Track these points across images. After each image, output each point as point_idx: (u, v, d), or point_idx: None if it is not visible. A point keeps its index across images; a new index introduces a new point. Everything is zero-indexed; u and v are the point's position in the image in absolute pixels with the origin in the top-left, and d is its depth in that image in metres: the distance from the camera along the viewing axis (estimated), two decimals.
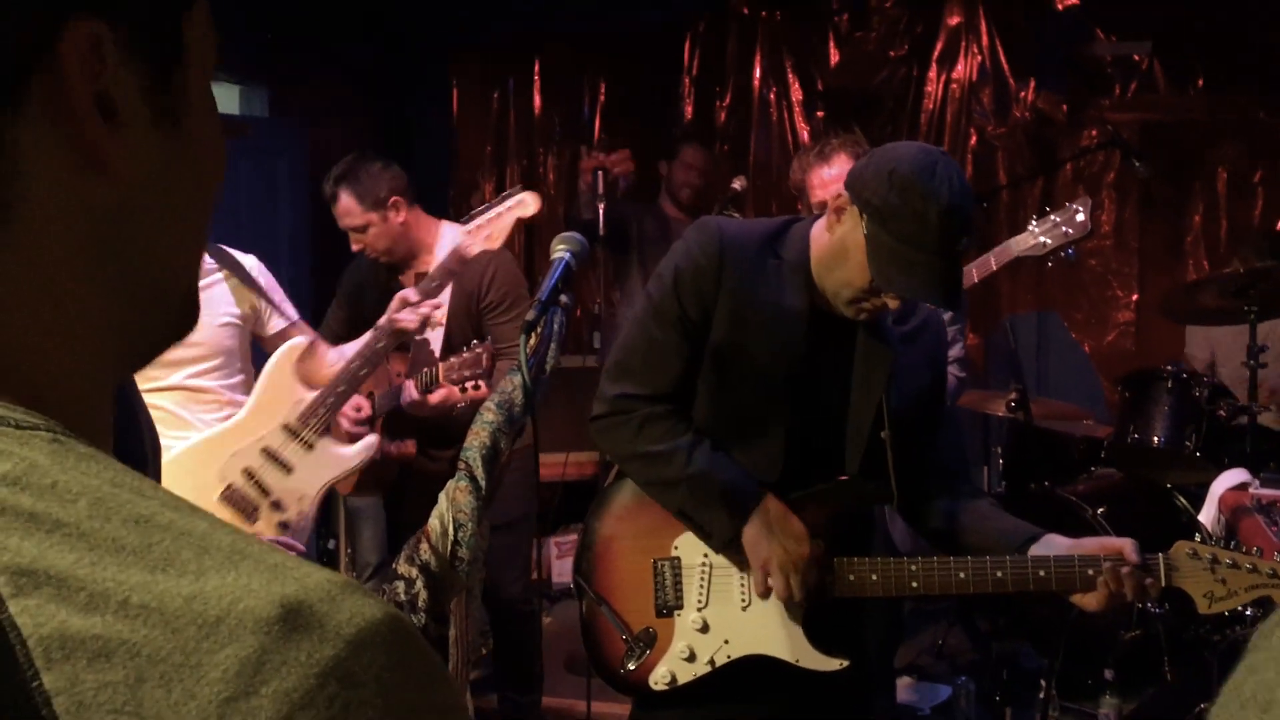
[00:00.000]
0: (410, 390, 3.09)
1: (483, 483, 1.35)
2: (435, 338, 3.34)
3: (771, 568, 1.97)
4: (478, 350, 2.95)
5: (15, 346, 0.49)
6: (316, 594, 0.44)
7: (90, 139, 0.50)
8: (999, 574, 1.97)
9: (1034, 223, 3.22)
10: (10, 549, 0.41)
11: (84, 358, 0.52)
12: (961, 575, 1.98)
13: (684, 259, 2.03)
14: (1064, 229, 3.17)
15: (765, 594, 2.00)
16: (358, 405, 3.21)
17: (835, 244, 1.97)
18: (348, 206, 3.32)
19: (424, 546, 1.28)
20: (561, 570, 5.18)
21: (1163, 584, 1.94)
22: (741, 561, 2.06)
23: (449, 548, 1.29)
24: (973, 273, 3.23)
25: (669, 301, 2.02)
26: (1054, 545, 2.00)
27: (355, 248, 3.44)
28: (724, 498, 2.00)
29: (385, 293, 3.25)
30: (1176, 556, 1.95)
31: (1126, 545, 1.95)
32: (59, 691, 0.39)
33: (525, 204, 2.87)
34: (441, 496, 1.34)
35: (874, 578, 2.01)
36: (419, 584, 1.24)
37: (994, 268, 3.26)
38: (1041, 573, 1.95)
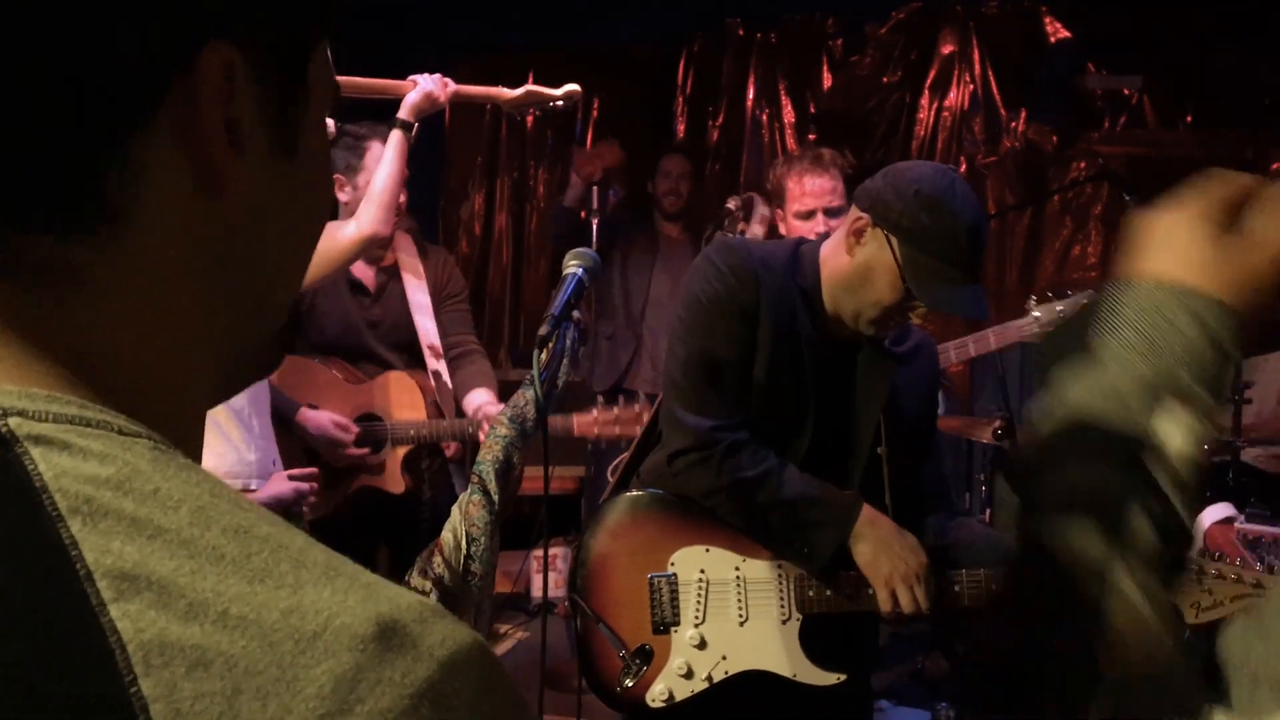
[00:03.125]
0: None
1: (495, 496, 1.35)
2: (430, 327, 3.32)
3: (896, 583, 1.96)
4: (636, 409, 2.98)
5: (121, 357, 0.49)
6: (409, 614, 0.43)
7: (215, 163, 0.50)
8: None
9: (1036, 308, 3.08)
10: (113, 553, 0.41)
11: (184, 376, 0.52)
12: (956, 588, 2.02)
13: (719, 283, 2.02)
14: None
15: (893, 612, 1.99)
16: (342, 425, 3.15)
17: (859, 266, 2.00)
18: None
19: (437, 559, 1.27)
20: (541, 584, 5.16)
21: None
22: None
23: (461, 561, 1.28)
24: (969, 347, 3.17)
25: (721, 325, 2.01)
26: None
27: None
28: (823, 516, 1.99)
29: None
30: None
31: None
32: (156, 698, 0.39)
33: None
34: (454, 509, 1.34)
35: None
36: (432, 597, 1.23)
37: (993, 347, 3.18)
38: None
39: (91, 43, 0.45)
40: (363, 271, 3.34)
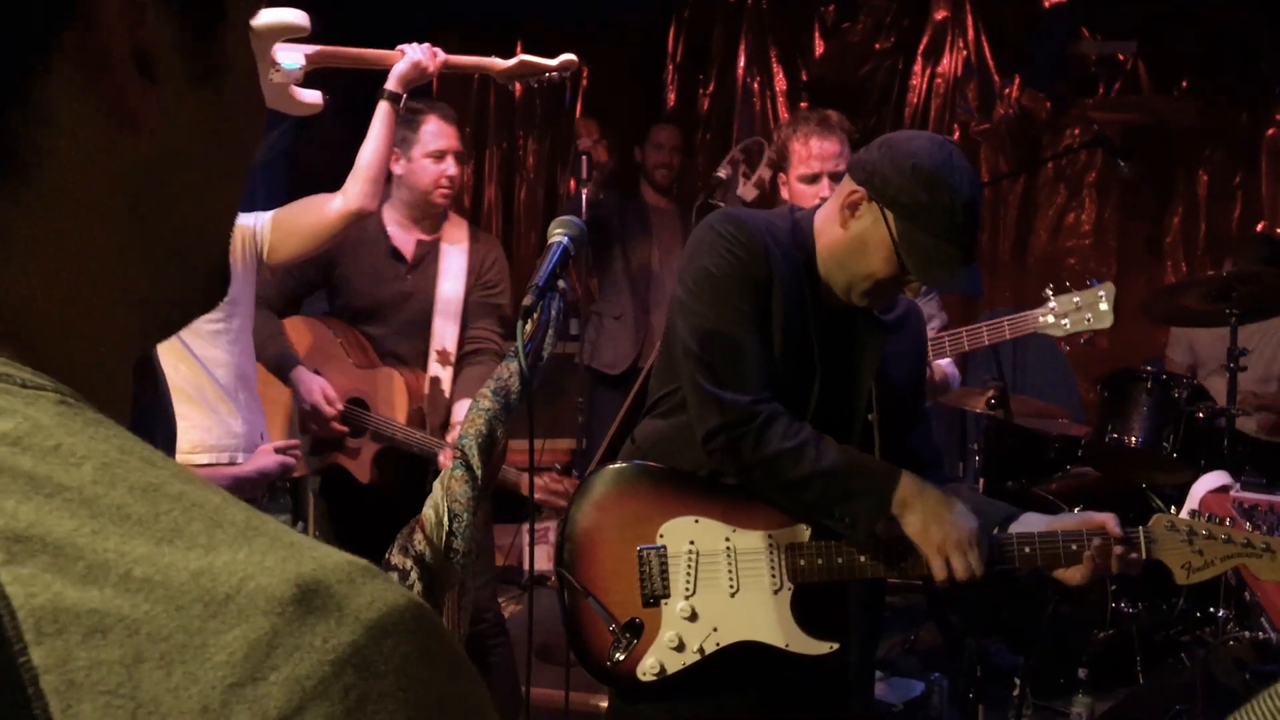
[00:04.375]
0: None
1: (478, 471, 1.31)
2: (450, 333, 3.30)
3: (949, 550, 1.93)
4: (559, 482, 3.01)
5: (28, 305, 0.45)
6: (335, 575, 0.40)
7: (125, 95, 0.46)
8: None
9: (1052, 299, 3.01)
10: (6, 512, 0.38)
11: (103, 323, 0.49)
12: None
13: (730, 255, 1.98)
14: (1087, 316, 2.97)
15: (946, 579, 1.95)
16: (329, 398, 3.15)
17: (853, 239, 1.97)
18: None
19: (418, 537, 1.23)
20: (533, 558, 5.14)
21: (1144, 556, 2.01)
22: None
23: (444, 538, 1.25)
24: (983, 335, 3.09)
25: (738, 297, 1.97)
26: (1032, 523, 2.05)
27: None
28: (863, 485, 1.96)
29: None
30: (1155, 529, 2.03)
31: (1109, 519, 2.01)
32: (48, 669, 0.36)
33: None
34: (436, 485, 1.30)
35: (1027, 548, 2.02)
36: (413, 575, 1.19)
37: (1007, 336, 3.10)
38: (1027, 549, 2.00)
39: None
40: (403, 240, 3.32)
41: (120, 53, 0.46)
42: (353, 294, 3.28)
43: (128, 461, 0.41)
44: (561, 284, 1.59)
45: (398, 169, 3.23)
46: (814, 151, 3.07)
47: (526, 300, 1.54)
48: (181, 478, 0.42)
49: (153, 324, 0.53)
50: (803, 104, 6.04)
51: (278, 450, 2.67)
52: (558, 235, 1.67)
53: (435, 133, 3.22)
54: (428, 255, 3.32)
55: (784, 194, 3.24)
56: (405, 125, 3.19)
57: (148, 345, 0.54)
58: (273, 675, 0.37)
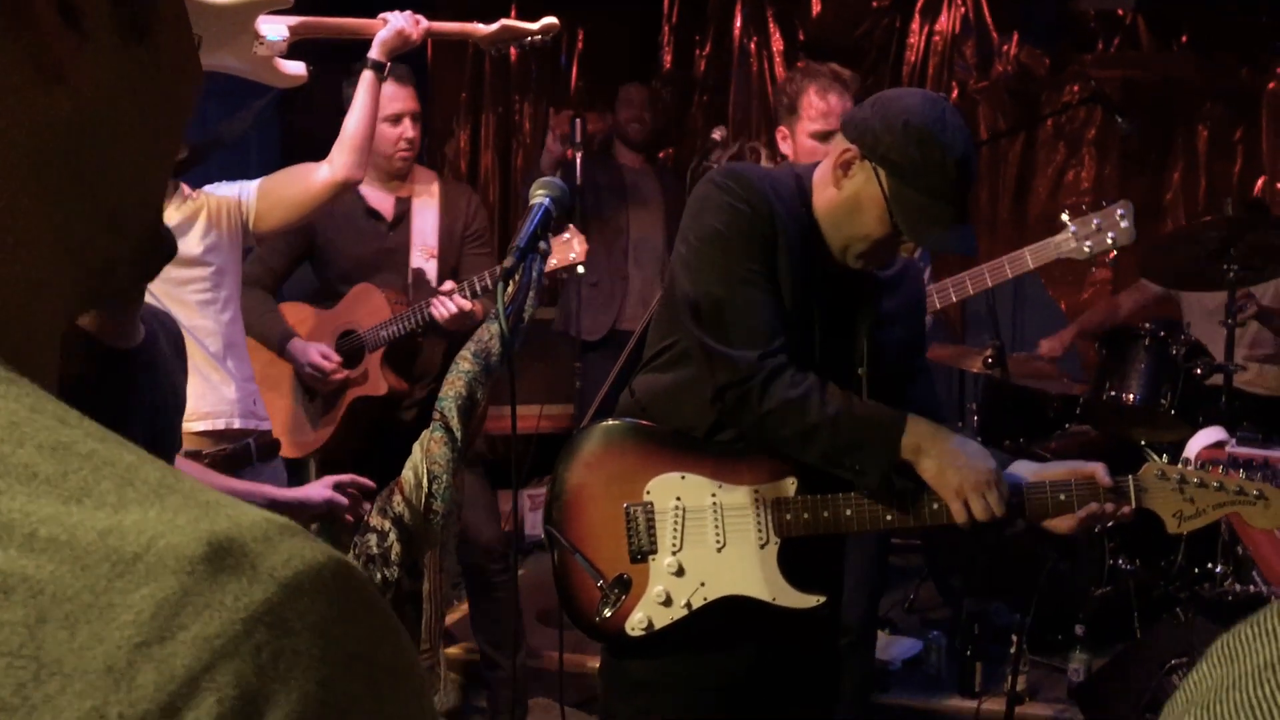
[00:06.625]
0: (457, 301, 3.11)
1: (458, 433, 1.32)
2: (430, 267, 3.38)
3: (968, 492, 1.92)
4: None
5: None
6: (251, 533, 0.39)
7: (50, 47, 0.45)
8: None
9: (1070, 224, 2.92)
10: None
11: (29, 287, 0.47)
12: (935, 506, 1.99)
13: (737, 213, 1.96)
14: (1108, 235, 2.88)
15: (967, 522, 1.94)
16: (325, 354, 3.24)
17: (847, 199, 1.96)
18: None
19: (397, 498, 1.24)
20: (534, 523, 5.16)
21: (1134, 505, 1.99)
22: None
23: (423, 500, 1.25)
24: (1005, 268, 2.99)
25: (746, 253, 1.94)
26: (1022, 471, 2.03)
27: None
28: (871, 432, 1.94)
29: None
30: (1145, 478, 2.01)
31: (1098, 469, 2.00)
32: None
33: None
34: (416, 447, 1.30)
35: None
36: (392, 536, 1.20)
37: (1030, 266, 3.00)
38: (1014, 500, 1.98)
39: None
40: (379, 200, 3.39)
41: (45, 3, 0.45)
42: (337, 256, 3.36)
43: (37, 420, 0.41)
44: (543, 245, 1.59)
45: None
46: (832, 106, 2.95)
47: (507, 262, 1.54)
48: (95, 436, 0.41)
49: (85, 284, 0.52)
50: (800, 64, 5.98)
51: (337, 487, 2.17)
52: (539, 196, 1.66)
53: (389, 97, 3.22)
54: (406, 212, 3.39)
55: (784, 148, 3.11)
56: None
57: (80, 308, 0.53)
58: (181, 634, 0.37)
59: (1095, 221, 2.91)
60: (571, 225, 3.04)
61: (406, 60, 3.10)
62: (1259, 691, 0.55)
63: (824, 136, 2.96)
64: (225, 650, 0.37)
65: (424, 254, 3.37)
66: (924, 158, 1.86)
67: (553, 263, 2.95)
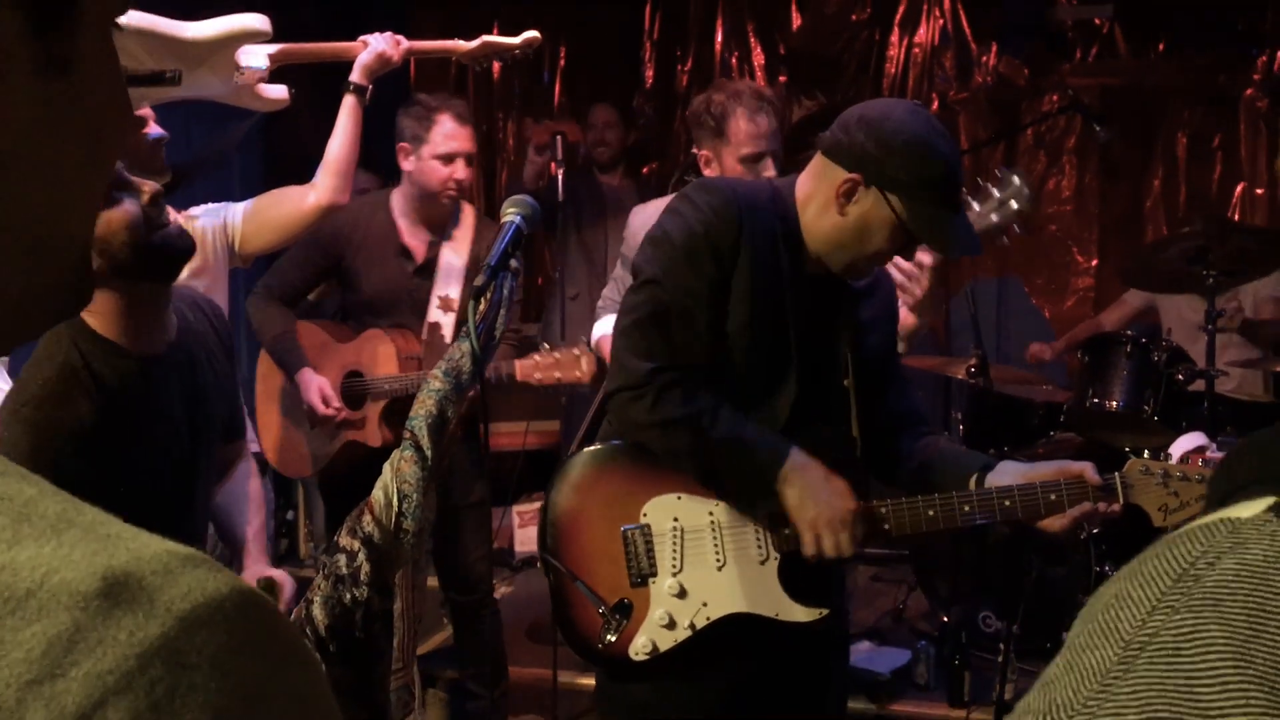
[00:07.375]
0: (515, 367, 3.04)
1: (429, 453, 1.32)
2: (446, 321, 3.32)
3: (820, 528, 1.94)
4: (575, 352, 2.96)
5: None
6: (150, 566, 0.39)
7: None
8: (965, 508, 2.00)
9: (974, 202, 2.85)
10: None
11: None
12: (931, 513, 2.00)
13: (697, 224, 1.97)
14: (1011, 204, 2.84)
15: (816, 556, 1.96)
16: (325, 396, 3.21)
17: (855, 224, 1.98)
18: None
19: (367, 518, 1.24)
20: (524, 540, 5.16)
21: (1121, 501, 2.01)
22: (761, 520, 2.01)
23: (393, 519, 1.25)
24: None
25: (685, 268, 1.96)
26: (1008, 471, 2.04)
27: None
28: (751, 458, 1.96)
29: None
30: (1131, 474, 2.03)
31: (1086, 467, 2.01)
32: None
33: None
34: (386, 467, 1.30)
35: (885, 526, 2.01)
36: (361, 556, 1.20)
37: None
38: (1007, 502, 2.00)
39: None
40: (414, 237, 3.32)
41: None
42: (362, 285, 3.30)
43: None
44: (514, 263, 1.59)
45: (407, 165, 3.24)
46: (762, 129, 2.91)
47: (478, 280, 1.54)
48: None
49: (14, 324, 0.51)
50: (781, 78, 6.02)
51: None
52: (510, 214, 1.66)
53: (447, 134, 3.20)
54: (436, 257, 3.32)
55: (708, 173, 2.99)
56: (418, 122, 3.20)
57: (8, 345, 0.52)
58: (73, 671, 0.36)
59: (996, 194, 2.86)
60: (582, 342, 2.99)
61: (389, 78, 3.09)
62: (1105, 616, 0.58)
63: (754, 159, 2.92)
64: (118, 686, 0.37)
65: (442, 307, 3.30)
66: (927, 171, 1.91)
67: (557, 376, 2.94)
